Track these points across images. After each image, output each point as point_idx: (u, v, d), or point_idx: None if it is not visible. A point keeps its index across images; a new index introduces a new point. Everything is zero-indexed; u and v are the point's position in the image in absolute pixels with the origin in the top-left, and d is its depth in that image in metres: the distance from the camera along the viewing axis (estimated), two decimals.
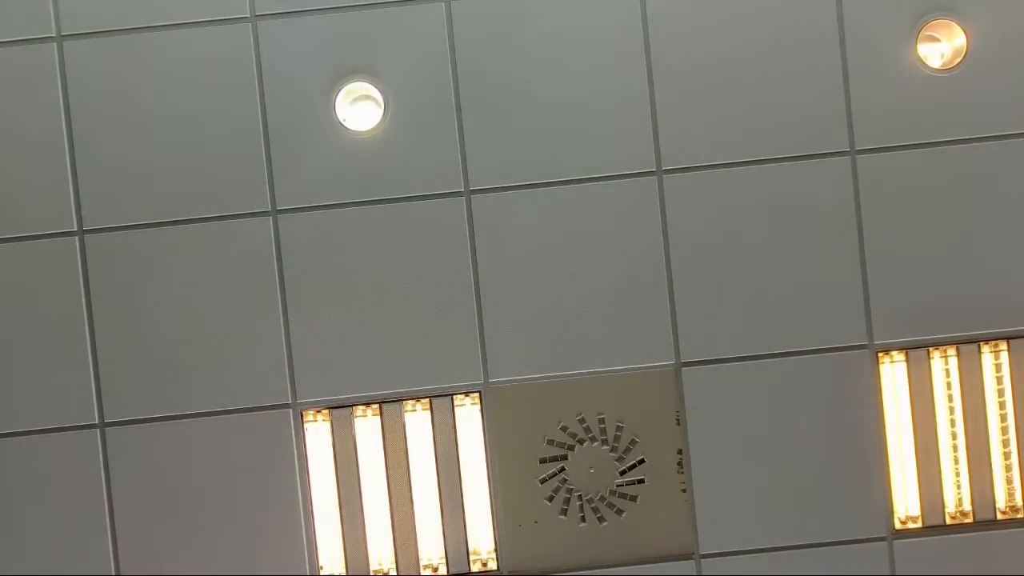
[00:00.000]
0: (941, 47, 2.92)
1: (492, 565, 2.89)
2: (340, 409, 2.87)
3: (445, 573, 2.89)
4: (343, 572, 2.87)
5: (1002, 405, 2.89)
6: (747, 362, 2.87)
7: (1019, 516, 2.90)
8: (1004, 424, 2.89)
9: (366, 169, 2.85)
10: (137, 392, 2.84)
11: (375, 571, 2.88)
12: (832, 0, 2.85)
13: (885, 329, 2.87)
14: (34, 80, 2.81)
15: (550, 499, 2.89)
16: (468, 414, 2.88)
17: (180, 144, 2.82)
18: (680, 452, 2.89)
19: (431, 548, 2.88)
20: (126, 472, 2.83)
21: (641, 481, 2.90)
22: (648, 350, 2.87)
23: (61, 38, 2.81)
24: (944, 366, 2.88)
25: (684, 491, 2.89)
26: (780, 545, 2.88)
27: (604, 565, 2.88)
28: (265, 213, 2.83)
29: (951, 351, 2.88)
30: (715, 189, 2.85)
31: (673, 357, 2.88)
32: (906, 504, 2.89)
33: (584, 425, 2.89)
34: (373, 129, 2.85)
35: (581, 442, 2.89)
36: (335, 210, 2.84)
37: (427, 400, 2.87)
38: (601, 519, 2.89)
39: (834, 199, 2.86)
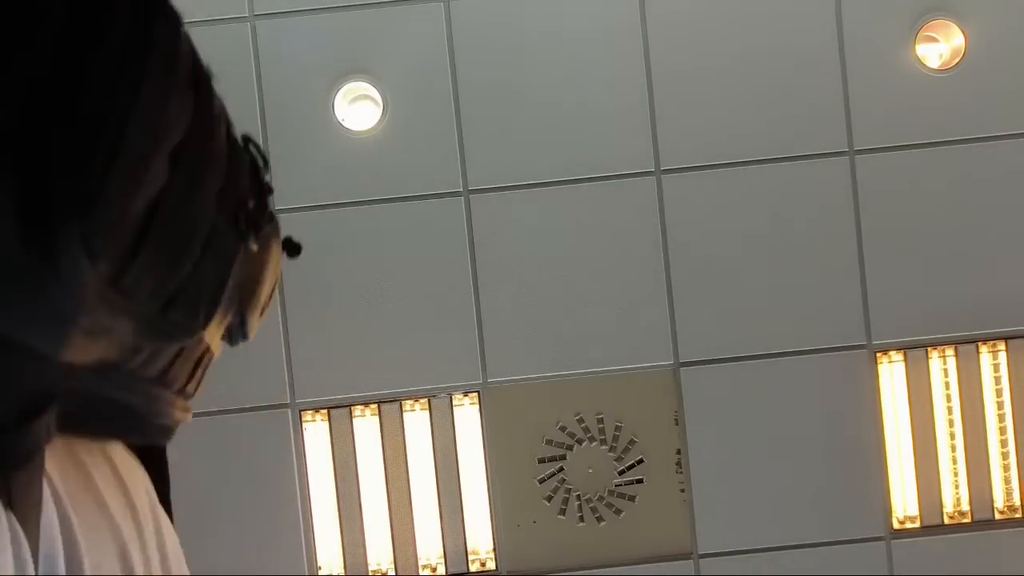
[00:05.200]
0: (939, 47, 2.92)
1: (491, 565, 2.89)
2: (338, 409, 2.87)
3: (444, 573, 2.89)
4: (342, 572, 2.87)
5: (1000, 405, 2.89)
6: (745, 362, 2.87)
7: (1017, 516, 2.90)
8: (1002, 424, 2.89)
9: (365, 169, 2.84)
10: None
11: (374, 571, 2.88)
12: (831, 1, 2.85)
13: (883, 329, 2.87)
14: None
15: (549, 499, 2.89)
16: (466, 414, 2.88)
17: None
18: (679, 452, 2.89)
19: (430, 548, 2.88)
20: None
21: (640, 481, 2.90)
22: (647, 350, 2.87)
23: None
24: (942, 366, 2.89)
25: (683, 491, 2.89)
26: (778, 545, 2.88)
27: (603, 565, 2.88)
28: None
29: (949, 351, 2.89)
30: (714, 189, 2.85)
31: (672, 357, 2.88)
32: (904, 504, 2.90)
33: (583, 425, 2.89)
34: (372, 129, 2.85)
35: (580, 442, 2.89)
36: (333, 210, 2.84)
37: (425, 400, 2.87)
38: (600, 519, 2.89)
39: (833, 199, 2.86)
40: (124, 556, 0.84)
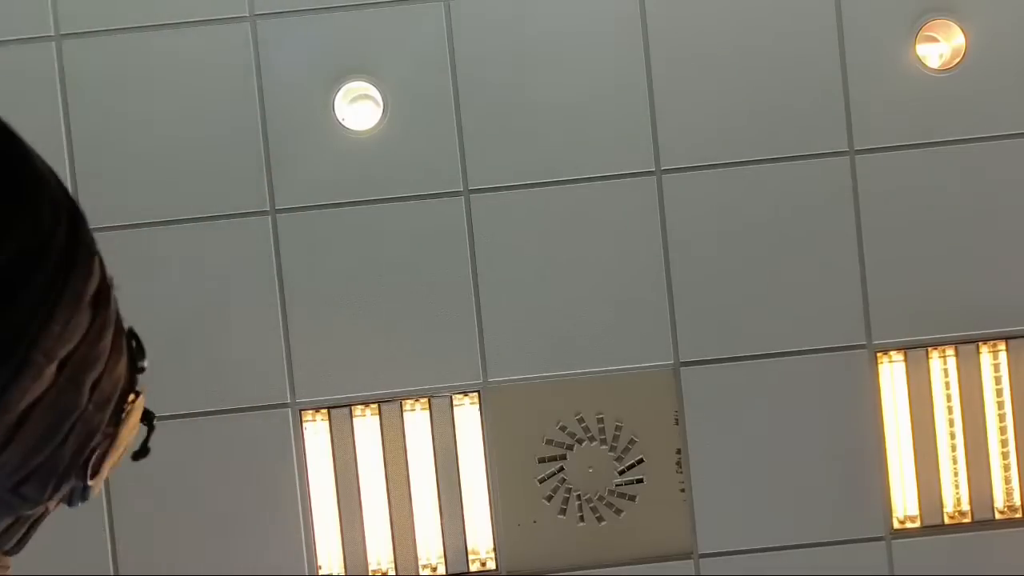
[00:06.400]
0: (940, 47, 2.92)
1: (491, 565, 2.89)
2: (339, 409, 2.87)
3: (444, 573, 2.89)
4: (342, 572, 2.87)
5: (1000, 405, 2.89)
6: (746, 362, 2.87)
7: (1017, 516, 2.90)
8: (1002, 424, 2.89)
9: (365, 169, 2.84)
10: None
11: (374, 571, 2.88)
12: (831, 0, 2.85)
13: (884, 329, 2.87)
14: (33, 80, 2.81)
15: (549, 499, 2.89)
16: (467, 414, 2.88)
17: (180, 144, 2.82)
18: (679, 452, 2.89)
19: (430, 548, 2.89)
20: (125, 472, 2.82)
21: (640, 481, 2.90)
22: (647, 350, 2.87)
23: (60, 37, 2.81)
24: (943, 366, 2.89)
25: (683, 491, 2.89)
26: (779, 545, 2.88)
27: (603, 565, 2.88)
28: (264, 213, 2.83)
29: (950, 351, 2.89)
30: (714, 189, 2.85)
31: (672, 357, 2.88)
32: (904, 504, 2.90)
33: (583, 425, 2.89)
34: (372, 129, 2.85)
35: (580, 442, 2.90)
36: (334, 209, 2.84)
37: (426, 400, 2.87)
38: (600, 519, 2.89)
39: (833, 199, 2.86)
40: None
